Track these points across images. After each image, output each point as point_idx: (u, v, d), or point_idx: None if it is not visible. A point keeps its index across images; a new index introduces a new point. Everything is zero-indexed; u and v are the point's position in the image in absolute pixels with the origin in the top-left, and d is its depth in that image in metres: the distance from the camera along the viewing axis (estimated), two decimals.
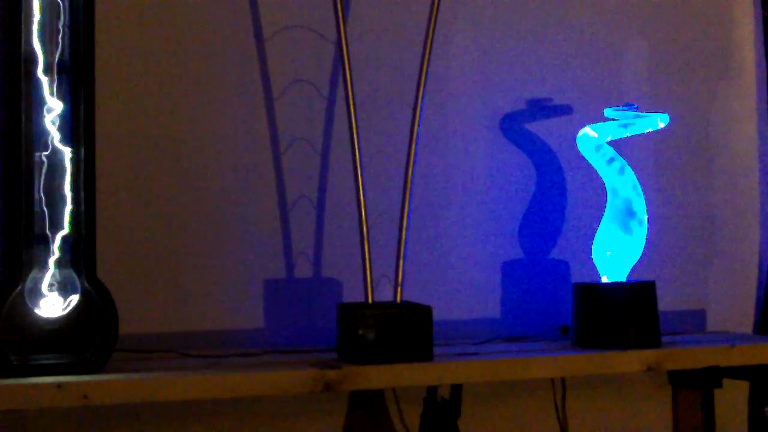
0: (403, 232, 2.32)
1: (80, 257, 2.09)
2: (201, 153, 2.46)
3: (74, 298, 2.10)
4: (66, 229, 2.08)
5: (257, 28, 2.52)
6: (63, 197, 2.09)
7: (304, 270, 2.54)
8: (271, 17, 2.52)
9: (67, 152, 2.10)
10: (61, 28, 2.08)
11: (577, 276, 2.69)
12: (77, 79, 2.10)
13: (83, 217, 2.09)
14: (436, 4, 2.37)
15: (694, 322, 2.86)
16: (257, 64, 2.51)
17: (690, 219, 2.86)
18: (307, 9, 2.54)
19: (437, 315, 2.29)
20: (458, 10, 2.69)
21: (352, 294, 2.48)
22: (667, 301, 2.64)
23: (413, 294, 2.42)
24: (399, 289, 2.31)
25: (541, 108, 2.74)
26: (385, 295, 2.37)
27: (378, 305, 2.27)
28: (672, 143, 2.83)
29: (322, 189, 2.56)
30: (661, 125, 2.50)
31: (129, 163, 2.40)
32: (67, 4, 2.09)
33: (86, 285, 2.09)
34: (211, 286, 2.45)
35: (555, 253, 2.74)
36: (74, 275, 2.10)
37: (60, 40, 2.09)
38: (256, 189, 2.49)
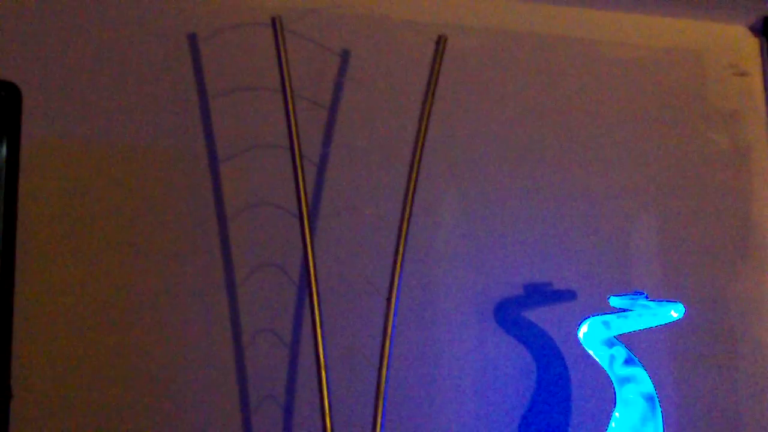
0: None
1: None
2: (151, 345, 2.32)
3: None
4: None
5: (219, 206, 2.42)
6: None
7: None
8: (233, 194, 2.43)
9: None
10: None
11: None
12: None
13: None
14: (415, 171, 2.22)
15: None
16: (218, 244, 2.41)
17: (713, 419, 2.70)
18: (272, 186, 2.44)
19: None
20: (444, 180, 2.60)
21: None
22: None
23: None
24: None
25: (541, 294, 2.63)
26: None
27: None
28: (688, 332, 2.71)
29: (290, 388, 2.40)
30: (675, 315, 2.37)
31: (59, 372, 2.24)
32: None
33: None
34: None
35: None
36: None
37: None
38: (215, 387, 2.35)
